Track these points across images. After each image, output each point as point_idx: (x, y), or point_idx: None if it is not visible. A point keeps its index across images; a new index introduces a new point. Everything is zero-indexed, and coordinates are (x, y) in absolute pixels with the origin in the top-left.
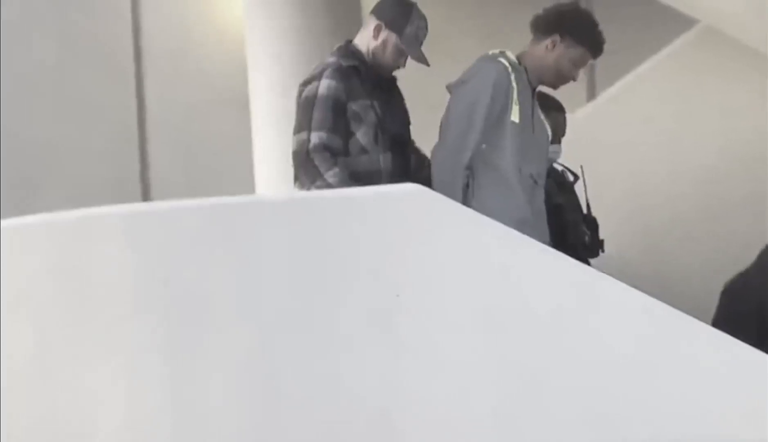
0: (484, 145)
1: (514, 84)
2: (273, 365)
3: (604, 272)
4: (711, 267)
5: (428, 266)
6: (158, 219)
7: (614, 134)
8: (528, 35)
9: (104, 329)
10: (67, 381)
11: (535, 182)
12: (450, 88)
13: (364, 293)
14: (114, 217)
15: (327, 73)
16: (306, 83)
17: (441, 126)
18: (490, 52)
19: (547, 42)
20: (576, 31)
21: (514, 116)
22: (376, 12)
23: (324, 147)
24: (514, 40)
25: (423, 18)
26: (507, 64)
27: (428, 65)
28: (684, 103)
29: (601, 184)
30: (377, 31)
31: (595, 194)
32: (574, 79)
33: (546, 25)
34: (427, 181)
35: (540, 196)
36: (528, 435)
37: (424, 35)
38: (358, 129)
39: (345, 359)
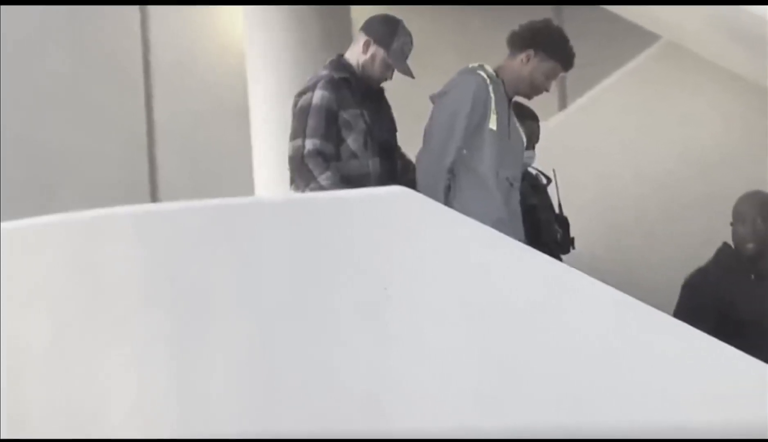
0: (464, 151)
1: (491, 95)
2: (271, 354)
3: (574, 267)
4: (671, 262)
5: (413, 261)
6: (165, 218)
7: (583, 141)
8: (504, 49)
9: (116, 320)
10: (82, 369)
11: (511, 185)
12: (433, 98)
13: (354, 287)
14: (124, 217)
15: (320, 84)
16: (301, 94)
17: (425, 133)
18: (470, 66)
19: (522, 56)
20: (548, 47)
21: (492, 124)
22: (365, 29)
23: (318, 153)
24: (492, 54)
25: (408, 34)
26: (485, 76)
27: (413, 77)
28: (647, 113)
29: (571, 186)
30: (366, 46)
31: (566, 196)
32: (547, 91)
33: (521, 41)
34: (412, 184)
35: (515, 197)
36: (506, 416)
37: (410, 50)
38: (348, 136)
39: (337, 347)
